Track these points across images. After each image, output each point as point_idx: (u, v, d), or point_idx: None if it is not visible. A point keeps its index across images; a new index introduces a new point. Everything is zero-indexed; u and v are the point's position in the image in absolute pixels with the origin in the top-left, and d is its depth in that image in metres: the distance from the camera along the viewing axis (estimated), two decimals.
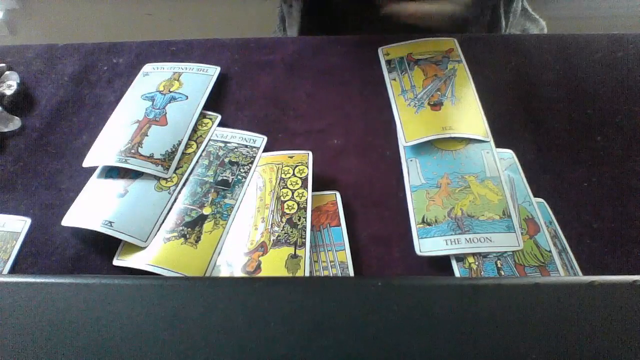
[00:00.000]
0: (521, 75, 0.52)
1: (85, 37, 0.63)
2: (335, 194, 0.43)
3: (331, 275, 0.39)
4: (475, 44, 0.55)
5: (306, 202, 0.42)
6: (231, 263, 0.40)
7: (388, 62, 0.53)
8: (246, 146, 0.47)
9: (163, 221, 0.42)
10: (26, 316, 0.29)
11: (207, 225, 0.41)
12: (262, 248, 0.40)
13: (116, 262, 0.40)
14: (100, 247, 0.42)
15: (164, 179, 0.44)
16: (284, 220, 0.41)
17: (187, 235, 0.41)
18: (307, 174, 0.44)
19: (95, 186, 0.44)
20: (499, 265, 0.38)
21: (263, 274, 0.38)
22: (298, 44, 0.57)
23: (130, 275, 0.39)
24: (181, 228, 0.41)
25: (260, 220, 0.42)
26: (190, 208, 0.43)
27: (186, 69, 0.54)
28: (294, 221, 0.41)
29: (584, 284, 0.29)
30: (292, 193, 0.43)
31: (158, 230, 0.41)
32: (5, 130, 0.50)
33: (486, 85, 0.50)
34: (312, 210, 0.42)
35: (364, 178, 0.46)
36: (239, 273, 0.39)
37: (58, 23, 1.40)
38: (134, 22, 1.38)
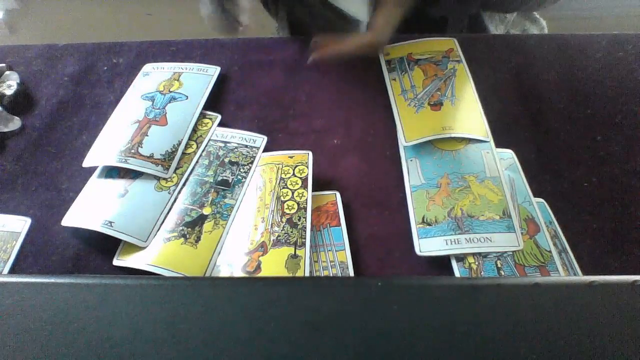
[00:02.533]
0: (521, 75, 0.52)
1: (85, 37, 0.63)
2: (335, 194, 0.43)
3: (331, 275, 0.39)
4: (475, 44, 0.55)
5: (306, 202, 0.42)
6: (231, 263, 0.40)
7: (388, 62, 0.53)
8: (246, 146, 0.47)
9: (163, 221, 0.42)
10: (26, 316, 0.29)
11: (207, 225, 0.41)
12: (262, 248, 0.40)
13: (116, 262, 0.40)
14: (100, 247, 0.42)
15: (164, 179, 0.44)
16: (284, 220, 0.41)
17: (187, 235, 0.41)
18: (307, 174, 0.44)
19: (95, 186, 0.44)
20: (499, 265, 0.38)
21: (263, 274, 0.38)
22: (298, 44, 0.57)
23: (130, 275, 0.39)
24: (181, 228, 0.41)
25: (260, 220, 0.42)
26: (190, 208, 0.43)
27: (186, 69, 0.54)
28: (294, 221, 0.41)
29: (584, 284, 0.29)
30: (292, 193, 0.43)
31: (158, 230, 0.41)
32: (5, 130, 0.50)
33: (486, 85, 0.50)
34: (312, 210, 0.42)
35: (364, 178, 0.46)
36: (239, 273, 0.39)
37: (58, 23, 1.40)
38: (134, 22, 1.38)
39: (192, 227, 0.41)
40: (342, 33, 0.47)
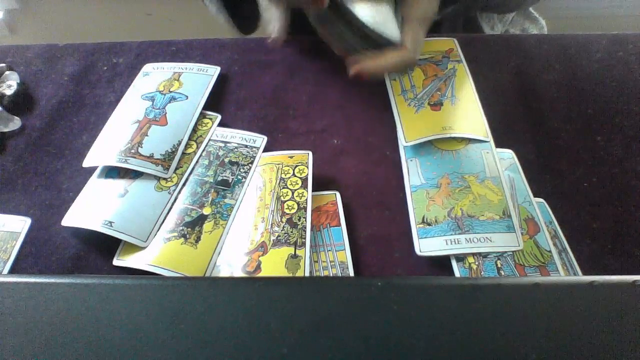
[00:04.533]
0: (521, 75, 0.52)
1: (85, 37, 0.63)
2: (335, 194, 0.43)
3: (331, 275, 0.39)
4: (475, 44, 0.55)
5: (306, 202, 0.42)
6: (231, 263, 0.40)
7: None
8: (246, 146, 0.47)
9: (163, 221, 0.42)
10: (26, 316, 0.29)
11: (207, 225, 0.42)
12: (262, 248, 0.40)
13: (116, 262, 0.40)
14: (100, 247, 0.42)
15: (164, 179, 0.44)
16: (284, 220, 0.41)
17: (187, 235, 0.41)
18: (307, 174, 0.44)
19: (95, 186, 0.44)
20: (499, 265, 0.38)
21: (263, 274, 0.38)
22: (298, 44, 0.57)
23: (130, 275, 0.39)
24: (181, 228, 0.41)
25: (260, 220, 0.42)
26: (190, 208, 0.43)
27: (186, 69, 0.54)
28: (294, 221, 0.41)
29: (584, 284, 0.29)
30: (292, 193, 0.43)
31: (158, 230, 0.41)
32: (5, 130, 0.50)
33: (486, 85, 0.50)
34: (312, 210, 0.42)
35: (364, 178, 0.46)
36: (239, 273, 0.39)
37: (58, 23, 1.40)
38: (134, 22, 1.38)
39: (192, 227, 0.41)
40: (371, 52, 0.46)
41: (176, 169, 0.45)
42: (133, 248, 0.40)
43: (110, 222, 0.41)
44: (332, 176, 0.46)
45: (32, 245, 0.42)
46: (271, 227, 0.41)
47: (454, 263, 0.39)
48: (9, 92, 0.53)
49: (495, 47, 0.55)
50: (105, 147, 0.47)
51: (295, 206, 0.42)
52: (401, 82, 0.51)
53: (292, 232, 0.40)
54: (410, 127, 0.47)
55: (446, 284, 0.30)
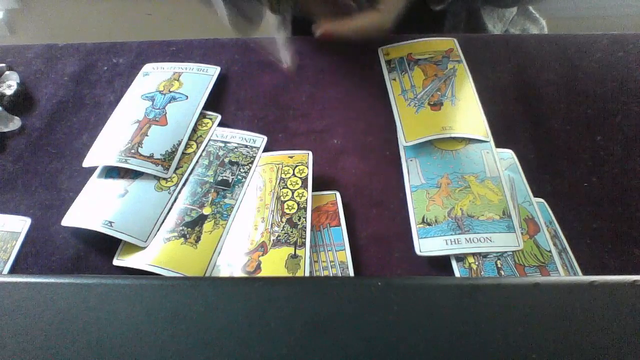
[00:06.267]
0: (521, 75, 0.52)
1: (85, 37, 0.63)
2: (335, 194, 0.43)
3: (331, 275, 0.39)
4: (475, 44, 0.55)
5: (306, 202, 0.42)
6: (231, 263, 0.40)
7: (388, 62, 0.53)
8: (246, 146, 0.47)
9: (163, 221, 0.42)
10: (26, 316, 0.29)
11: (207, 225, 0.42)
12: (262, 248, 0.40)
13: (116, 262, 0.40)
14: (100, 247, 0.42)
15: (164, 179, 0.44)
16: (284, 220, 0.41)
17: (187, 235, 0.41)
18: (307, 174, 0.44)
19: (95, 186, 0.44)
20: (499, 265, 0.38)
21: (263, 274, 0.38)
22: (298, 44, 0.57)
23: (130, 275, 0.39)
24: (181, 228, 0.41)
25: (260, 220, 0.42)
26: (190, 208, 0.43)
27: (186, 69, 0.54)
28: (294, 221, 0.41)
29: (584, 284, 0.29)
30: (292, 193, 0.43)
31: (158, 230, 0.41)
32: (5, 130, 0.50)
33: (486, 85, 0.50)
34: (312, 210, 0.42)
35: (364, 178, 0.46)
36: (239, 273, 0.39)
37: (58, 23, 1.40)
38: (134, 22, 1.38)
39: (192, 227, 0.41)
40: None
41: (176, 169, 0.45)
42: (133, 248, 0.40)
43: (110, 222, 0.41)
44: (332, 176, 0.46)
45: (32, 245, 0.42)
46: (271, 227, 0.41)
47: (454, 263, 0.39)
48: (9, 92, 0.53)
49: (495, 47, 0.55)
50: (105, 147, 0.47)
51: (295, 206, 0.42)
52: (401, 82, 0.51)
53: (292, 232, 0.40)
54: (410, 127, 0.47)
55: (446, 284, 0.30)
